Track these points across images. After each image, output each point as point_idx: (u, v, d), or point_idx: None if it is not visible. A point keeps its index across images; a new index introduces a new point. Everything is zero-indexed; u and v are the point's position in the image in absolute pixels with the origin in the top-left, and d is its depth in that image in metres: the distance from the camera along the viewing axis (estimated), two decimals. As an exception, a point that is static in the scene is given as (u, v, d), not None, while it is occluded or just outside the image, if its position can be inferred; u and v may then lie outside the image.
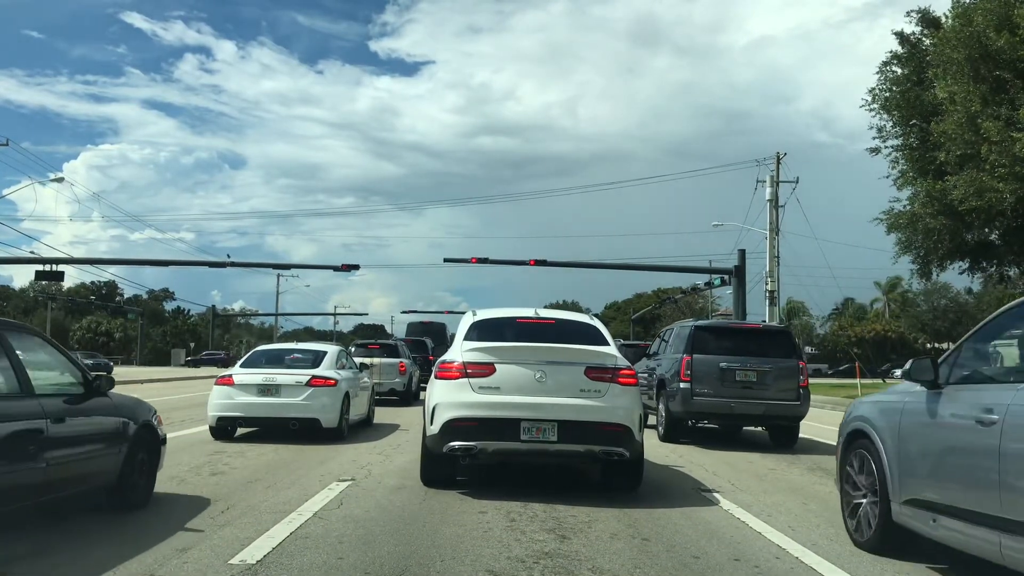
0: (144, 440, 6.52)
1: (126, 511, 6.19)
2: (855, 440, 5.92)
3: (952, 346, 5.38)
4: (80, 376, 6.00)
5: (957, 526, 4.55)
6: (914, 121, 24.01)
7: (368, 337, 53.51)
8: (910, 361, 5.40)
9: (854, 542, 5.84)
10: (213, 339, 74.55)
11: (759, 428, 13.73)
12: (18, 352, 5.28)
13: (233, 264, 40.71)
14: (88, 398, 5.90)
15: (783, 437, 12.73)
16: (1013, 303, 5.01)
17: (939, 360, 5.17)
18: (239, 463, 9.11)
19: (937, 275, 27.71)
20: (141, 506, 6.40)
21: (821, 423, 16.17)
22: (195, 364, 66.05)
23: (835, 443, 6.39)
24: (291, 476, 8.22)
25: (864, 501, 5.72)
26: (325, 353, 12.79)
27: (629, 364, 7.54)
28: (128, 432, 6.29)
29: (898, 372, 5.83)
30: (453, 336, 9.12)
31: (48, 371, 5.80)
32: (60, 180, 43.56)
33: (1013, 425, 4.10)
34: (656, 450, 10.98)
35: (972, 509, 4.39)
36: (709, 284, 38.58)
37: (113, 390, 6.28)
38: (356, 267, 39.80)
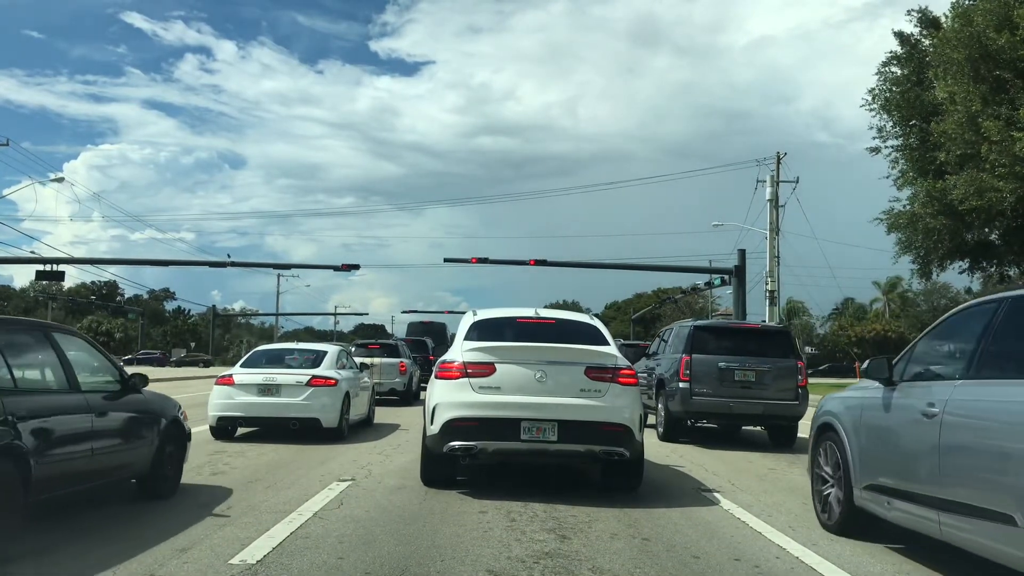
0: (173, 434, 7.04)
1: (150, 500, 6.62)
2: (823, 433, 6.49)
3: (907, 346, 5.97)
4: (117, 374, 6.56)
5: (906, 507, 5.11)
6: (914, 121, 24.00)
7: (368, 337, 53.48)
8: (868, 360, 5.89)
9: (822, 524, 6.39)
10: (213, 339, 74.56)
11: (758, 428, 13.74)
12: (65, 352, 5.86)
13: (233, 264, 40.66)
14: (124, 394, 6.43)
15: (782, 437, 12.74)
16: (959, 307, 5.57)
17: (894, 360, 5.75)
18: (239, 463, 9.11)
19: (937, 275, 27.72)
20: (169, 496, 6.85)
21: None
22: (128, 363, 65.95)
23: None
24: (291, 476, 8.22)
25: (831, 488, 6.28)
26: (325, 353, 12.80)
27: (629, 364, 7.54)
28: (159, 427, 6.81)
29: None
30: (453, 336, 9.12)
31: (89, 369, 6.31)
32: (60, 180, 43.64)
33: (950, 417, 4.67)
34: (656, 450, 10.99)
35: (917, 492, 4.96)
36: (709, 284, 38.56)
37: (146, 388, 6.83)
38: (356, 267, 39.79)
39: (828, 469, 6.36)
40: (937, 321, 5.75)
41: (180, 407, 7.39)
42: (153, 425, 6.73)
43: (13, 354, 5.30)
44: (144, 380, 6.76)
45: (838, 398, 6.58)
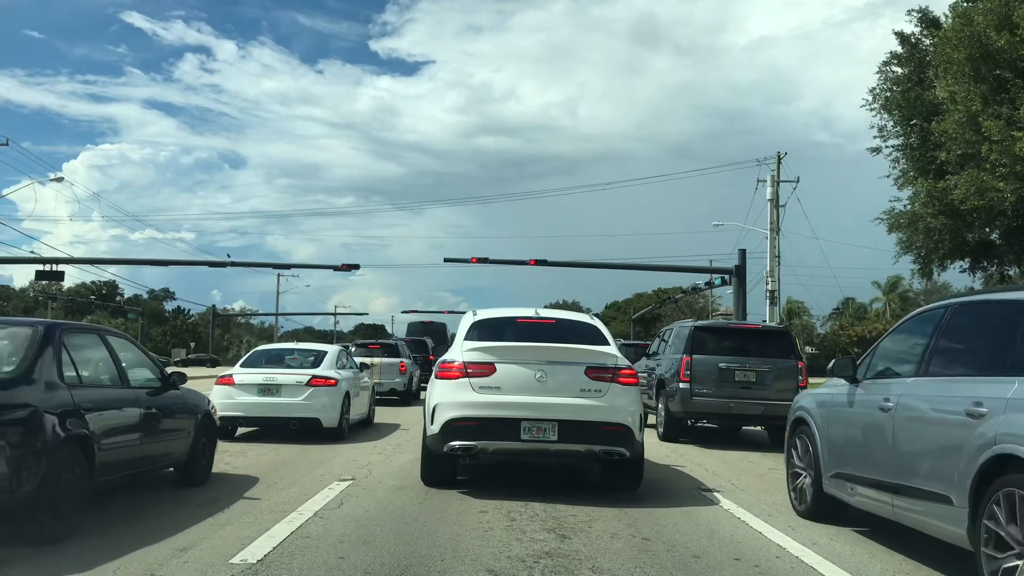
0: (206, 427, 7.73)
1: (186, 487, 7.31)
2: (797, 426, 7.07)
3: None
4: (159, 372, 7.26)
5: (867, 492, 5.66)
6: (915, 121, 23.97)
7: (368, 337, 53.47)
8: (834, 360, 6.41)
9: (795, 511, 6.92)
10: (213, 339, 74.54)
11: (758, 428, 13.74)
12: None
13: (233, 264, 40.57)
14: (165, 391, 7.09)
15: (782, 437, 12.73)
16: (916, 311, 6.14)
17: (858, 360, 6.31)
18: (239, 463, 9.11)
19: (938, 275, 27.68)
20: (203, 482, 7.53)
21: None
22: None
23: None
24: (291, 476, 8.23)
25: (803, 477, 6.82)
26: (325, 353, 12.81)
27: (629, 364, 7.55)
28: (195, 420, 7.51)
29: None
30: (453, 336, 9.13)
31: (136, 367, 6.96)
32: (60, 180, 43.63)
33: (902, 411, 5.27)
34: (656, 450, 10.99)
35: (875, 478, 5.52)
36: (709, 284, 38.49)
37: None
38: (356, 267, 39.69)
39: (801, 460, 6.90)
40: (897, 323, 6.32)
41: (211, 402, 8.16)
42: (190, 418, 7.42)
43: (77, 354, 5.90)
44: (183, 378, 7.44)
45: (810, 394, 7.14)
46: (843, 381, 6.33)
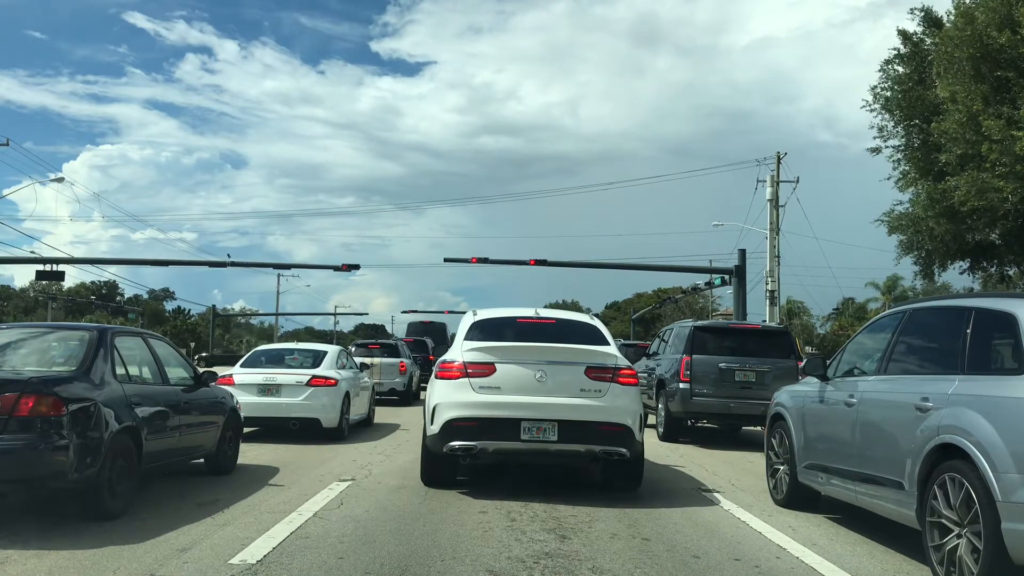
0: (232, 421, 8.42)
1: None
2: (775, 421, 7.57)
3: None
4: (192, 371, 7.94)
5: (835, 481, 6.22)
6: (916, 121, 23.94)
7: (368, 337, 53.43)
8: (806, 360, 6.82)
9: (773, 499, 7.43)
10: (213, 339, 74.53)
11: (758, 428, 13.74)
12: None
13: (233, 264, 40.53)
14: (198, 388, 7.76)
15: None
16: (880, 315, 6.63)
17: (828, 359, 6.89)
18: (239, 463, 9.09)
19: (939, 275, 27.67)
20: (229, 471, 8.21)
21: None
22: None
23: None
24: (291, 476, 8.22)
25: (781, 467, 7.34)
26: (325, 353, 12.81)
27: (629, 364, 7.54)
28: (223, 415, 8.18)
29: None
30: (453, 336, 9.12)
31: (173, 366, 7.61)
32: (60, 180, 43.54)
33: (864, 405, 5.85)
34: (656, 450, 10.99)
35: (842, 468, 6.07)
36: (709, 284, 38.47)
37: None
38: (356, 267, 39.66)
39: (778, 452, 7.40)
40: (864, 325, 6.75)
41: (236, 399, 8.89)
42: (219, 413, 8.08)
43: (125, 354, 6.59)
44: (213, 376, 8.10)
45: (788, 391, 7.59)
46: (816, 379, 6.82)
